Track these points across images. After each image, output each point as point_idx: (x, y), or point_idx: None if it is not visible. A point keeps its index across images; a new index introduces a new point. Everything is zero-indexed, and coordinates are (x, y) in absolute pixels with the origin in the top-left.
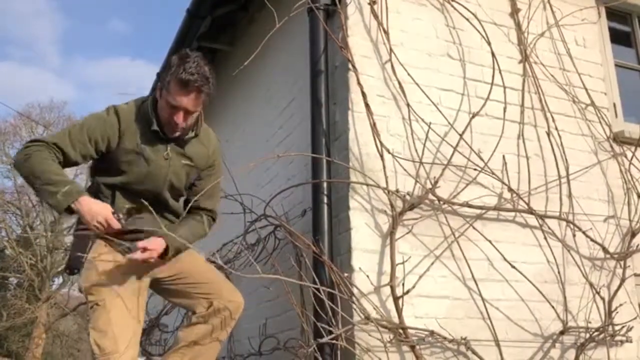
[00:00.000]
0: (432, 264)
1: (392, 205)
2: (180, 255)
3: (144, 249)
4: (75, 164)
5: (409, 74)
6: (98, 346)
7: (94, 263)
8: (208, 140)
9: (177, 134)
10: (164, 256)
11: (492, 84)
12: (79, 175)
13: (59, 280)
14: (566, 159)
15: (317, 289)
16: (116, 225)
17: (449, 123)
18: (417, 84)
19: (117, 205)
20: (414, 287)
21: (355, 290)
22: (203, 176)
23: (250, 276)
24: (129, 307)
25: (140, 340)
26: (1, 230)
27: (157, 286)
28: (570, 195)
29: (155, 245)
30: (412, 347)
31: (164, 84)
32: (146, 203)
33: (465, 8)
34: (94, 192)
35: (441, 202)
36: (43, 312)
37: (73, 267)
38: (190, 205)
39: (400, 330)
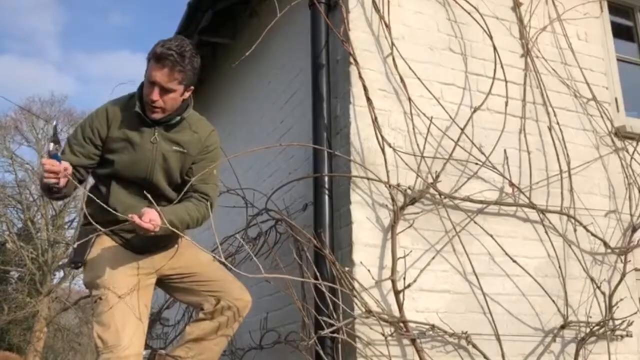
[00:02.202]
0: (433, 258)
1: (393, 200)
2: (188, 253)
3: (149, 220)
4: (86, 166)
5: (410, 68)
6: (101, 339)
7: (98, 257)
8: (201, 128)
9: (157, 115)
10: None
11: (493, 78)
12: None
13: (60, 275)
14: (567, 154)
15: (318, 283)
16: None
17: (451, 117)
18: (418, 78)
19: (114, 195)
20: (415, 281)
21: (356, 285)
22: (199, 160)
23: (254, 276)
24: (133, 301)
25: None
26: (2, 224)
27: (164, 284)
28: (571, 190)
29: (154, 215)
30: (413, 341)
31: (147, 63)
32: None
33: (467, 2)
34: (95, 184)
35: (442, 197)
36: (44, 306)
37: (77, 261)
38: (186, 188)
39: (401, 324)
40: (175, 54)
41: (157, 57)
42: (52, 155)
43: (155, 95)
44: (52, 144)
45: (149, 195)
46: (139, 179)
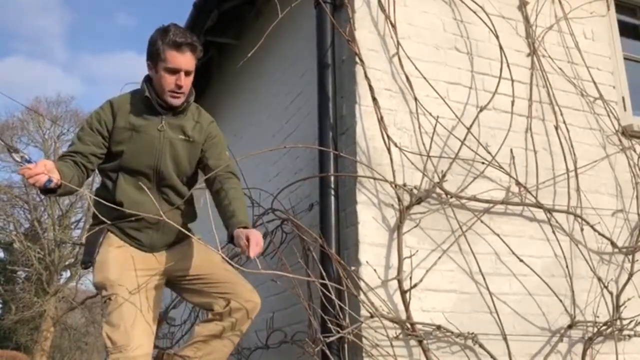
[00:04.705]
0: (440, 257)
1: (399, 199)
2: (199, 254)
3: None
4: (97, 154)
5: (416, 68)
6: (110, 340)
7: (107, 257)
8: (202, 117)
9: (180, 100)
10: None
11: (500, 77)
12: None
13: (66, 274)
14: (574, 153)
15: (324, 284)
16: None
17: (457, 117)
18: (424, 77)
19: (120, 188)
20: (421, 281)
21: (362, 284)
22: (207, 147)
23: (261, 272)
24: (142, 301)
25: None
26: (10, 224)
27: (174, 285)
28: (578, 189)
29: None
30: (420, 342)
31: (156, 57)
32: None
33: (473, 1)
34: (102, 182)
35: (448, 196)
36: (51, 306)
37: (86, 261)
38: (208, 175)
39: (408, 325)
40: (190, 39)
41: (177, 46)
42: (25, 162)
43: (182, 81)
44: (14, 155)
45: (146, 188)
46: (148, 168)
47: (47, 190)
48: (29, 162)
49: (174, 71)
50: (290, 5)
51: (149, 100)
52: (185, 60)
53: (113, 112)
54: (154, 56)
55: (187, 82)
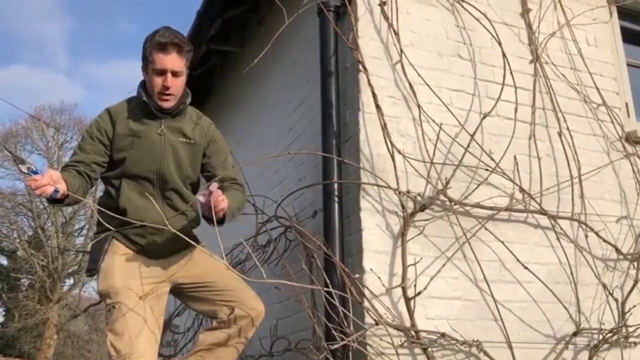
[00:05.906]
0: (444, 265)
1: (403, 206)
2: (203, 262)
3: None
4: (99, 163)
5: (419, 75)
6: (114, 348)
7: (111, 265)
8: (201, 120)
9: (169, 102)
10: (222, 221)
11: (503, 84)
12: None
13: (70, 282)
14: (578, 159)
15: (328, 291)
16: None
17: (460, 124)
18: (427, 84)
19: (123, 194)
20: (425, 288)
21: (366, 292)
22: (210, 153)
23: (265, 281)
24: (146, 309)
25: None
26: (13, 231)
27: (179, 293)
28: (582, 196)
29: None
30: (425, 350)
31: (146, 60)
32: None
33: (476, 8)
34: (106, 190)
35: (452, 203)
36: (54, 313)
37: (90, 269)
38: (217, 178)
39: (412, 332)
40: (176, 39)
41: (162, 46)
42: (32, 172)
43: (169, 81)
44: (20, 166)
45: (150, 197)
46: (150, 173)
47: (54, 201)
48: (35, 172)
49: (161, 72)
50: (297, 12)
51: (146, 105)
52: (171, 60)
53: (112, 120)
54: (144, 59)
55: (175, 82)
